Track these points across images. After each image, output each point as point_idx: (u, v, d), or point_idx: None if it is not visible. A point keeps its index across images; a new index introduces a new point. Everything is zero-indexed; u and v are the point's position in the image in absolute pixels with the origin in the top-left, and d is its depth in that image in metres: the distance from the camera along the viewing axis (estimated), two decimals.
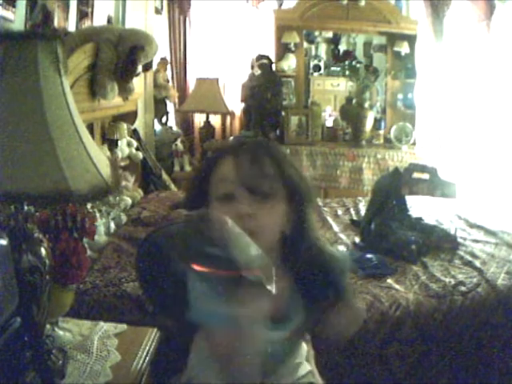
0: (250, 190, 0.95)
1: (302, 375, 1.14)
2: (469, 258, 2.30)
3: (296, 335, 1.05)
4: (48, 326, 1.12)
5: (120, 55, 2.70)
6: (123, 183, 3.00)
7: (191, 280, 0.91)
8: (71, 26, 2.66)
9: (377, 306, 1.88)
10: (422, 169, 3.96)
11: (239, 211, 0.94)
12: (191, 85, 4.71)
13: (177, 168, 4.39)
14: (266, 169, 0.97)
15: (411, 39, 4.50)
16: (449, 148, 4.27)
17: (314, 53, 4.97)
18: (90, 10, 2.90)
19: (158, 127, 4.53)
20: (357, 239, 2.54)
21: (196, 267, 0.87)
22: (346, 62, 4.77)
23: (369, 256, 2.25)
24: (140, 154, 3.50)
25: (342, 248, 2.42)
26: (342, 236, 2.62)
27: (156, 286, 1.13)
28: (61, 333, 1.23)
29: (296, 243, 1.01)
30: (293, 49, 4.66)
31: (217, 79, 4.45)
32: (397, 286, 2.02)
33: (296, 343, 1.08)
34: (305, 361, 1.16)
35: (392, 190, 2.60)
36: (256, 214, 0.94)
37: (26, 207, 0.96)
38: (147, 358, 1.20)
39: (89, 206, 1.92)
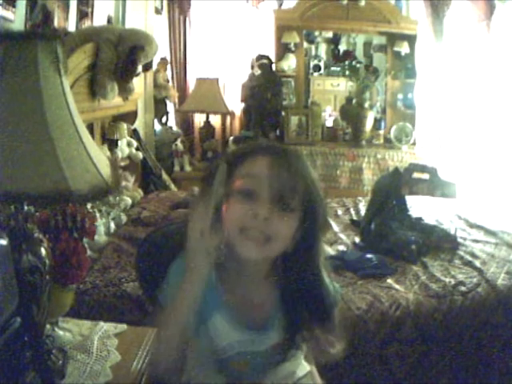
0: (276, 195, 0.93)
1: (301, 377, 1.13)
2: (469, 257, 2.31)
3: (287, 345, 1.04)
4: (48, 326, 1.12)
5: (120, 55, 2.70)
6: (123, 183, 3.00)
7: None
8: (71, 26, 2.66)
9: (377, 306, 1.88)
10: (422, 169, 3.96)
11: (258, 211, 0.92)
12: (191, 85, 4.71)
13: (177, 168, 4.39)
14: (297, 182, 0.94)
15: (411, 39, 4.50)
16: (449, 148, 4.27)
17: (314, 53, 4.98)
18: (90, 9, 2.90)
19: (158, 127, 4.53)
20: (357, 239, 2.54)
21: None
22: (346, 62, 4.77)
23: (369, 256, 2.25)
24: (140, 154, 3.50)
25: (342, 248, 2.42)
26: (342, 236, 2.62)
27: (156, 286, 1.13)
28: (61, 333, 1.23)
29: (295, 263, 0.99)
30: (293, 49, 4.66)
31: (217, 79, 4.45)
32: (397, 286, 2.02)
33: (289, 351, 1.07)
34: (304, 361, 1.16)
35: (392, 190, 2.60)
36: (272, 220, 0.92)
37: (25, 207, 0.96)
38: (147, 358, 1.20)
39: (89, 206, 1.92)
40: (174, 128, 4.75)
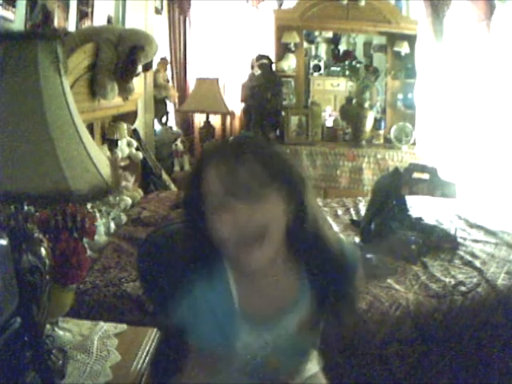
0: (239, 195, 0.91)
1: (309, 376, 1.14)
2: (469, 258, 2.30)
3: (306, 330, 1.04)
4: (48, 326, 1.12)
5: (120, 55, 2.70)
6: (123, 183, 3.00)
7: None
8: (71, 26, 2.66)
9: (377, 306, 1.88)
10: (422, 169, 3.96)
11: (234, 220, 0.90)
12: (191, 85, 4.71)
13: (177, 168, 4.39)
14: (249, 169, 0.91)
15: (411, 39, 4.50)
16: (449, 148, 4.27)
17: (314, 53, 4.97)
18: (90, 9, 2.90)
19: (158, 127, 4.53)
20: (357, 239, 2.54)
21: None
22: (346, 62, 4.77)
23: (369, 256, 2.25)
24: (140, 154, 3.50)
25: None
26: (342, 236, 2.61)
27: (156, 286, 1.13)
28: (61, 333, 1.23)
29: (299, 234, 0.97)
30: (293, 49, 4.66)
31: (217, 79, 4.45)
32: (397, 286, 2.02)
33: (305, 339, 1.07)
34: (314, 360, 1.16)
35: (392, 190, 2.59)
36: (253, 217, 0.90)
37: (26, 207, 0.96)
38: (147, 358, 1.20)
39: (89, 206, 1.92)
40: (174, 128, 4.75)
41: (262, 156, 0.94)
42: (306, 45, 4.84)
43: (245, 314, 0.99)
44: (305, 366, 1.12)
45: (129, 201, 2.90)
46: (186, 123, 4.89)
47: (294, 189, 0.95)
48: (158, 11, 4.37)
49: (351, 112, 4.46)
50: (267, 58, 4.45)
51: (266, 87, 4.34)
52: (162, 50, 3.99)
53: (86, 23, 2.86)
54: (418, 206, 2.98)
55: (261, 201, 0.91)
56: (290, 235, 0.97)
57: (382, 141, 4.63)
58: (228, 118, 4.84)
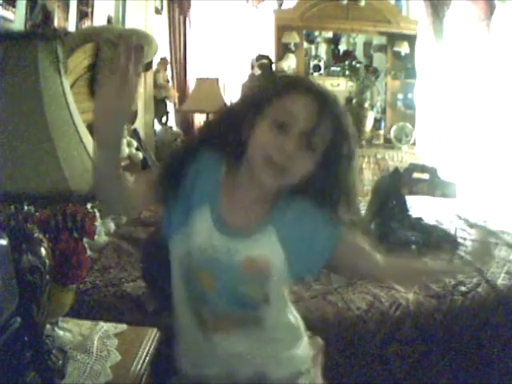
0: (305, 134, 0.93)
1: (303, 371, 1.13)
2: (469, 258, 2.30)
3: (275, 263, 1.00)
4: (48, 326, 1.12)
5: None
6: None
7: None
8: (71, 26, 2.66)
9: (377, 306, 1.88)
10: (422, 169, 3.96)
11: (286, 145, 0.93)
12: (191, 85, 4.71)
13: None
14: (328, 126, 0.95)
15: (411, 39, 4.51)
16: (449, 148, 4.27)
17: (313, 53, 4.97)
18: (89, 9, 2.90)
19: (158, 127, 4.53)
20: None
21: None
22: (346, 62, 4.77)
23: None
24: (140, 154, 3.49)
25: None
26: None
27: (159, 285, 1.14)
28: (61, 333, 1.23)
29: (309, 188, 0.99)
30: (293, 49, 4.66)
31: (217, 79, 4.44)
32: (397, 286, 2.02)
33: (272, 274, 1.01)
34: (308, 345, 1.14)
35: (392, 190, 2.60)
36: (295, 158, 0.93)
37: (25, 207, 0.96)
38: (147, 358, 1.20)
39: (89, 206, 1.92)
40: (174, 128, 4.75)
41: (342, 120, 0.98)
42: (306, 45, 4.84)
43: (221, 221, 1.00)
44: (269, 319, 1.05)
45: None
46: (185, 123, 4.89)
47: (342, 153, 0.97)
48: (158, 11, 4.37)
49: (351, 112, 4.37)
50: (267, 57, 4.46)
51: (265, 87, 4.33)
52: (162, 49, 3.99)
53: (86, 23, 2.86)
54: (418, 206, 2.98)
55: (313, 152, 0.95)
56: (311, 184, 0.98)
57: (382, 141, 4.63)
58: None
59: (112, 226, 2.48)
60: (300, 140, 0.94)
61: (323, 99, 0.97)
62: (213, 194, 1.01)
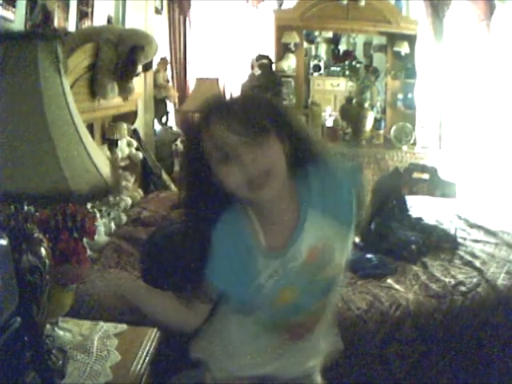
0: (242, 134, 0.94)
1: (308, 368, 1.14)
2: (469, 258, 2.30)
3: (318, 261, 1.04)
4: (48, 326, 1.12)
5: (120, 55, 2.70)
6: (123, 183, 3.00)
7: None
8: (71, 26, 2.66)
9: (377, 306, 1.88)
10: (422, 169, 3.96)
11: (242, 167, 0.93)
12: (191, 85, 4.71)
13: (177, 168, 4.37)
14: (248, 118, 0.96)
15: (411, 39, 4.51)
16: (449, 148, 4.27)
17: (313, 53, 4.98)
18: (89, 9, 2.90)
19: (158, 127, 4.53)
20: (357, 239, 2.54)
21: None
22: (346, 62, 4.77)
23: (369, 256, 2.25)
24: (140, 154, 3.49)
25: None
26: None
27: (159, 285, 1.14)
28: (61, 333, 1.23)
29: (302, 164, 1.01)
30: (293, 49, 4.67)
31: (217, 79, 4.44)
32: (397, 286, 2.02)
33: (319, 272, 1.05)
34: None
35: (392, 190, 2.60)
36: (257, 161, 0.94)
37: (25, 207, 0.96)
38: (147, 358, 1.20)
39: (89, 205, 1.92)
40: (174, 128, 4.75)
41: (256, 103, 1.01)
42: (306, 45, 4.84)
43: (265, 248, 1.02)
44: (322, 315, 1.10)
45: (129, 201, 2.90)
46: (186, 123, 4.89)
47: (284, 123, 1.00)
48: (158, 11, 4.37)
49: (351, 112, 4.46)
50: (267, 58, 4.46)
51: (266, 87, 4.33)
52: (162, 50, 3.99)
53: (86, 23, 2.86)
54: (418, 206, 2.98)
55: (262, 146, 0.95)
56: (293, 165, 1.00)
57: (381, 141, 4.63)
58: None
59: (112, 226, 2.48)
60: (242, 144, 0.94)
61: (230, 106, 0.99)
62: (252, 237, 1.02)
